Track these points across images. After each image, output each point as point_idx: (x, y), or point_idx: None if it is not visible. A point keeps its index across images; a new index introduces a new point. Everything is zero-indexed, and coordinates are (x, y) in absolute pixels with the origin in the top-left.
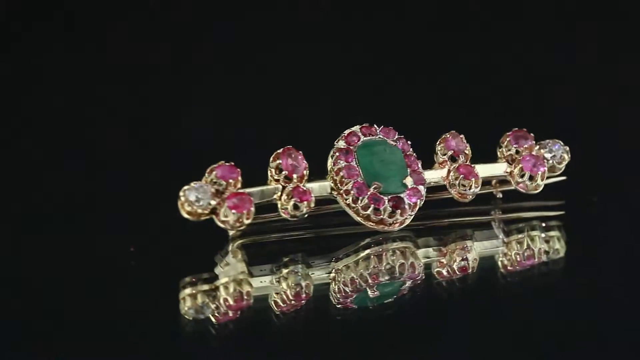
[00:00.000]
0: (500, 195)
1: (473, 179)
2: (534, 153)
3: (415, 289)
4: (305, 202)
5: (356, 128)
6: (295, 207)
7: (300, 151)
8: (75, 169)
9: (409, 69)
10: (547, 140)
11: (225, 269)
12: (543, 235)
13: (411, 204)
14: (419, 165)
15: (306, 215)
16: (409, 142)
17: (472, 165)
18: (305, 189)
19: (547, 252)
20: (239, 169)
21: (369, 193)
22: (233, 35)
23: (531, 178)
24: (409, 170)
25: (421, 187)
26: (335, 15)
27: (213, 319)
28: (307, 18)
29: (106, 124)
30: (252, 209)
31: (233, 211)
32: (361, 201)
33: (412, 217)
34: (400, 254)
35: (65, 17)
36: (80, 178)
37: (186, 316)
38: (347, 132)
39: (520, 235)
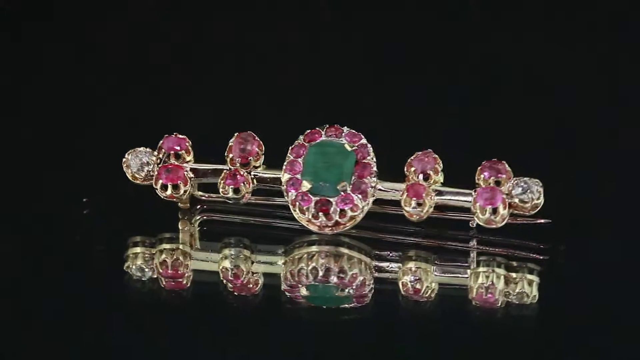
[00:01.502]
0: (473, 224)
1: (415, 200)
2: (502, 188)
3: (350, 299)
4: (230, 187)
5: (322, 127)
6: (224, 189)
7: (257, 138)
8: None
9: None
10: (526, 178)
11: (179, 238)
12: (515, 276)
13: (338, 210)
14: (371, 177)
15: (242, 201)
16: (370, 150)
17: (424, 186)
18: (242, 175)
19: (510, 294)
20: (187, 143)
21: (299, 190)
22: (232, 35)
23: (483, 211)
24: (353, 178)
25: (357, 197)
26: (336, 13)
27: (160, 283)
28: (310, 17)
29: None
30: (183, 182)
31: (160, 180)
32: (290, 196)
33: (349, 224)
34: (333, 260)
35: (65, 14)
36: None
37: (128, 272)
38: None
39: (487, 272)
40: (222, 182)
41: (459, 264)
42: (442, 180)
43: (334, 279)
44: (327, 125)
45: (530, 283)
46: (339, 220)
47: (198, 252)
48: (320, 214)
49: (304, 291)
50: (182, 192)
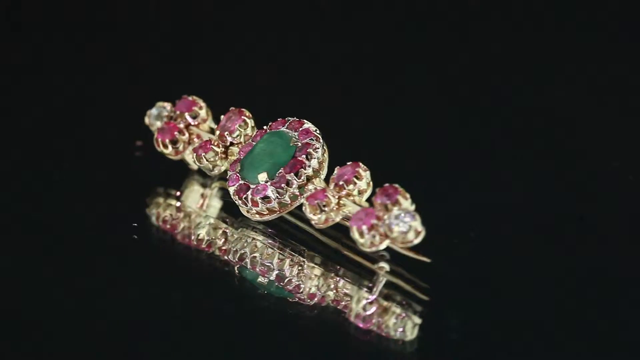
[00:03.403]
0: None
1: (308, 204)
2: (386, 215)
3: (269, 287)
4: (194, 154)
5: (290, 119)
6: (192, 156)
7: (244, 117)
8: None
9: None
10: (409, 212)
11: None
12: (395, 310)
13: (251, 198)
14: (298, 175)
15: (211, 173)
16: (312, 151)
17: (326, 195)
18: (208, 145)
19: (383, 326)
20: (194, 107)
21: (234, 171)
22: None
23: (352, 230)
24: (280, 171)
25: (272, 189)
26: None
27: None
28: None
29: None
30: (172, 142)
31: (156, 136)
32: (227, 175)
33: (273, 215)
34: (259, 247)
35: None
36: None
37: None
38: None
39: (369, 299)
40: (192, 149)
41: (357, 282)
42: (360, 194)
43: (247, 264)
44: (294, 118)
45: (405, 320)
46: (255, 208)
47: (201, 214)
48: (236, 197)
49: (235, 269)
50: (170, 150)
